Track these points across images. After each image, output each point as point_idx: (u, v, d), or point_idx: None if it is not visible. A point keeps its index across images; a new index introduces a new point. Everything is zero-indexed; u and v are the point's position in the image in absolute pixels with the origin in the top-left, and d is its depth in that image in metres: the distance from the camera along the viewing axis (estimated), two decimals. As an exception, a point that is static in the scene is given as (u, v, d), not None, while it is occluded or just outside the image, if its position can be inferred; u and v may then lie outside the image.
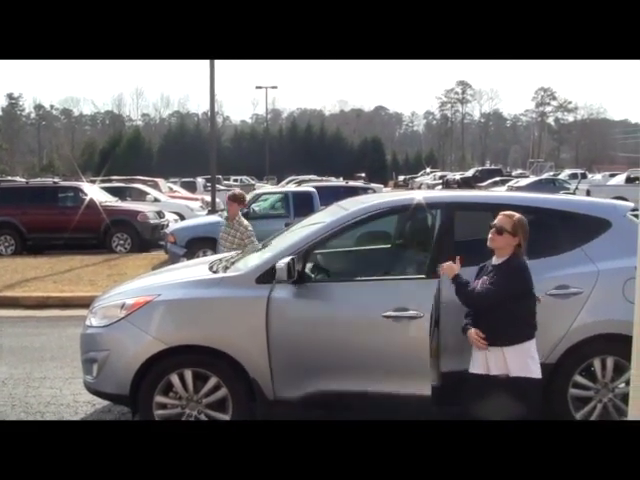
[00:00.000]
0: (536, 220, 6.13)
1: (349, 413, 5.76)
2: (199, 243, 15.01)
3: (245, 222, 9.14)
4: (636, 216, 6.12)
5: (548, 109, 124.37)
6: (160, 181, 30.91)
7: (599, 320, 5.73)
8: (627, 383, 5.73)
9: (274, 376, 5.61)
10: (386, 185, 57.51)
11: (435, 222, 6.06)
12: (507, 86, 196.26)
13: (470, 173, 57.15)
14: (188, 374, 5.64)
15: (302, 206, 15.27)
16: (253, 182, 56.71)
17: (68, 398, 7.20)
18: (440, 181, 56.84)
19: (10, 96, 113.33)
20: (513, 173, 63.59)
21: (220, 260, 6.72)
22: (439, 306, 5.56)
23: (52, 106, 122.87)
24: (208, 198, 25.57)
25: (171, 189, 31.52)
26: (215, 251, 13.04)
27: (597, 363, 5.74)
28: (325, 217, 6.34)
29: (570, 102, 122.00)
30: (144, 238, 19.26)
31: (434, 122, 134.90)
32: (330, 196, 13.27)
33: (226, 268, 6.19)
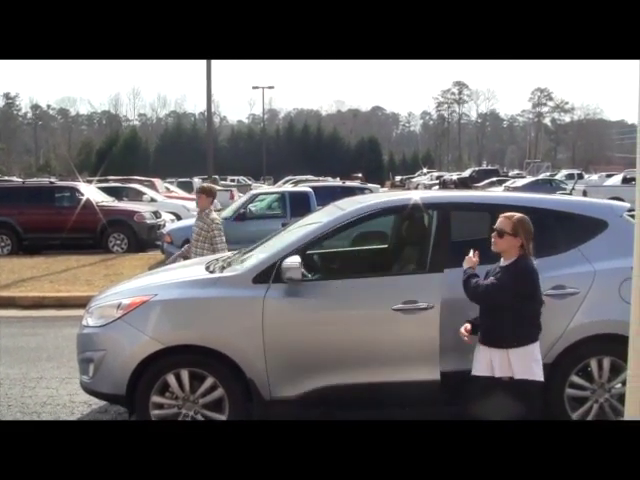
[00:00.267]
0: (533, 220, 6.13)
1: (349, 410, 5.77)
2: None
3: (213, 215, 9.02)
4: (632, 216, 6.11)
5: (545, 109, 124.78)
6: (157, 181, 30.88)
7: (596, 320, 5.73)
8: (623, 383, 5.73)
9: (270, 376, 5.61)
10: (383, 185, 57.45)
11: (432, 222, 6.05)
12: (504, 86, 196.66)
13: (467, 173, 57.20)
14: (185, 374, 5.63)
15: (299, 206, 15.29)
16: (250, 182, 56.64)
17: (64, 398, 7.19)
18: (437, 181, 56.81)
19: (7, 96, 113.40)
20: (510, 173, 63.65)
21: (217, 260, 6.72)
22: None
23: (49, 106, 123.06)
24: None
25: (168, 189, 31.49)
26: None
27: (594, 363, 5.75)
28: (322, 217, 6.34)
29: (567, 103, 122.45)
30: (141, 238, 19.24)
31: (431, 122, 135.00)
32: (327, 196, 13.27)
33: (223, 268, 6.18)
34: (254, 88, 67.39)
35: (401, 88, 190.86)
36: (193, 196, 30.32)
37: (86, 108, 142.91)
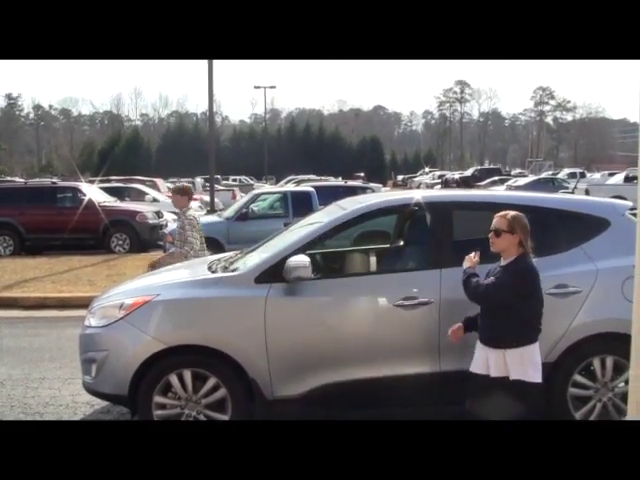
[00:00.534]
0: (535, 219, 6.13)
1: (351, 407, 5.77)
2: (198, 243, 14.99)
3: (189, 213, 8.88)
4: (635, 215, 6.11)
5: (547, 108, 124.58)
6: (159, 181, 30.94)
7: (598, 319, 5.73)
8: (627, 382, 5.73)
9: (273, 375, 5.62)
10: (385, 185, 57.44)
11: (433, 221, 6.04)
12: (506, 85, 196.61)
13: (469, 172, 57.21)
14: (187, 374, 5.63)
15: (301, 206, 15.29)
16: (252, 182, 56.68)
17: (67, 399, 7.19)
18: (439, 180, 56.83)
19: (9, 96, 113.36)
20: (512, 172, 63.64)
21: (219, 260, 6.72)
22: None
23: (51, 106, 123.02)
24: (207, 198, 25.57)
25: (169, 189, 31.49)
26: (214, 251, 13.05)
27: (596, 362, 5.74)
28: (324, 217, 6.35)
29: (569, 101, 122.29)
30: (143, 238, 19.25)
31: (433, 121, 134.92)
32: (329, 196, 13.27)
33: (225, 268, 6.19)
34: (256, 88, 67.32)
35: (403, 87, 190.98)
36: (196, 196, 30.40)
37: (88, 108, 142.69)
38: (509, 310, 4.97)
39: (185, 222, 8.73)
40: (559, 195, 8.43)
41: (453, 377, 5.52)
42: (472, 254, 5.30)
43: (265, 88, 66.14)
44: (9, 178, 48.87)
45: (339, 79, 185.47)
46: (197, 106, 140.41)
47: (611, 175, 43.35)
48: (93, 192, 20.56)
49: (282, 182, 45.28)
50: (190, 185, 9.78)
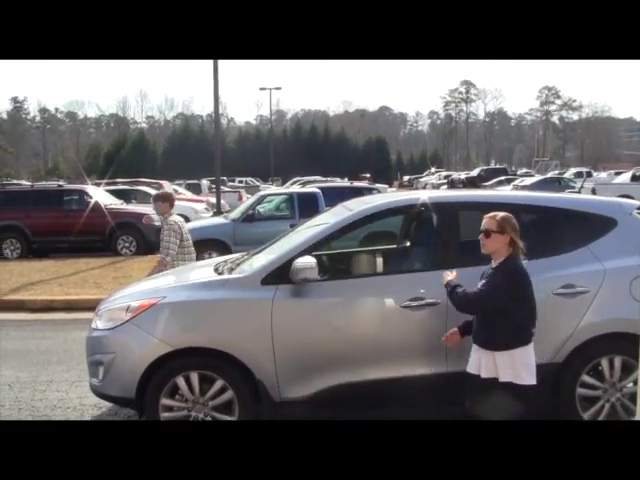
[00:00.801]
0: (542, 219, 6.14)
1: (359, 409, 5.76)
2: (204, 245, 14.99)
3: (170, 219, 8.72)
4: (642, 214, 6.09)
5: (552, 108, 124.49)
6: (165, 183, 30.96)
7: (606, 319, 5.70)
8: (635, 383, 5.71)
9: (280, 377, 5.61)
10: (391, 185, 57.46)
11: (440, 222, 6.02)
12: (511, 85, 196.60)
13: (475, 172, 57.15)
14: (194, 376, 5.63)
15: (307, 207, 15.29)
16: (258, 183, 56.69)
17: (74, 401, 7.19)
18: (445, 181, 56.75)
19: (15, 100, 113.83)
20: (518, 172, 63.54)
21: (225, 262, 6.72)
22: None
23: (57, 109, 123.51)
24: (213, 200, 25.60)
25: (176, 191, 31.53)
26: (220, 253, 13.07)
27: (605, 362, 5.71)
28: (330, 218, 6.34)
29: (575, 100, 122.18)
30: (149, 240, 19.24)
31: (438, 122, 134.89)
32: (335, 197, 13.27)
33: (231, 270, 6.18)
34: (261, 89, 67.41)
35: (408, 88, 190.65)
36: (202, 198, 30.46)
37: (94, 111, 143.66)
38: (501, 313, 4.93)
39: (165, 228, 8.63)
40: (566, 195, 8.40)
41: (460, 378, 5.50)
42: (448, 272, 5.29)
43: (270, 89, 66.21)
44: (16, 181, 49.03)
45: (344, 80, 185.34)
46: (203, 108, 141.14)
47: (618, 174, 43.24)
48: (99, 195, 20.59)
49: (288, 183, 45.30)
50: (171, 192, 9.61)
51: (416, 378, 5.63)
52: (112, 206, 19.99)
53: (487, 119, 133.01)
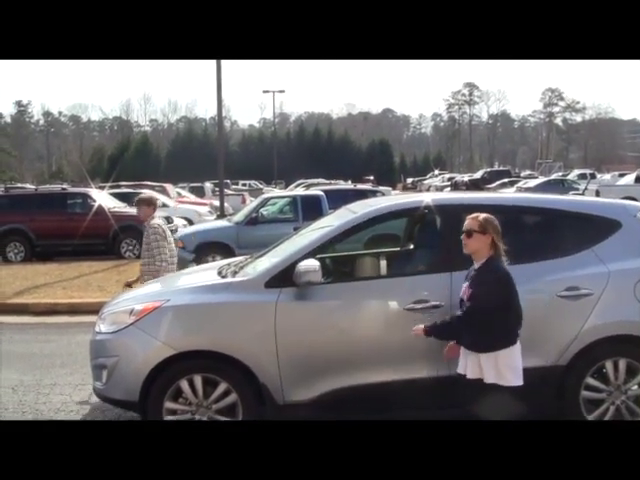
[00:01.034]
0: (546, 221, 6.13)
1: (363, 412, 5.75)
2: (208, 248, 15.02)
3: (153, 222, 8.43)
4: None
5: (556, 109, 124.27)
6: (169, 186, 30.97)
7: (610, 322, 5.68)
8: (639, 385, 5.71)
9: (284, 380, 5.60)
10: (394, 188, 57.41)
11: (444, 224, 6.01)
12: (514, 87, 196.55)
13: (479, 175, 57.03)
14: (198, 380, 5.62)
15: (310, 210, 15.26)
16: (261, 186, 56.70)
17: (78, 405, 7.18)
18: (449, 183, 56.72)
19: (19, 103, 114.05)
20: (522, 174, 63.44)
21: (229, 265, 6.71)
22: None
23: (60, 113, 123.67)
24: (216, 203, 25.60)
25: (180, 194, 31.58)
26: (224, 256, 13.05)
27: (609, 365, 5.69)
28: (334, 221, 6.33)
29: (578, 102, 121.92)
30: (152, 243, 19.23)
31: (442, 124, 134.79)
32: (338, 199, 13.24)
33: (235, 273, 6.18)
34: (265, 92, 67.54)
35: (411, 90, 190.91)
36: (205, 201, 30.48)
37: (97, 114, 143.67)
38: (486, 314, 4.90)
39: (150, 232, 8.31)
40: (570, 197, 8.39)
41: (464, 380, 5.49)
42: (415, 327, 5.25)
43: (274, 92, 66.30)
44: (20, 185, 49.13)
45: (348, 83, 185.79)
46: (206, 111, 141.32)
47: (621, 176, 43.16)
48: (103, 198, 20.60)
49: (291, 186, 45.32)
50: (154, 195, 9.36)
51: (420, 381, 5.62)
52: (115, 209, 19.99)
53: (490, 121, 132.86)
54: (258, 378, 5.60)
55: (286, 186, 54.26)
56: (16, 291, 13.61)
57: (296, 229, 8.67)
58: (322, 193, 16.64)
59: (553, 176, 51.63)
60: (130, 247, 19.24)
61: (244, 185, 55.88)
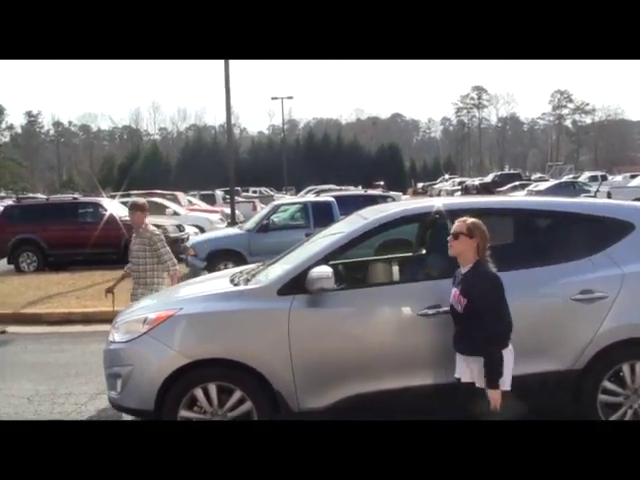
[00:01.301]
0: (558, 224, 6.11)
1: (377, 418, 5.74)
2: (220, 256, 15.05)
3: (152, 228, 8.42)
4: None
5: (565, 112, 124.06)
6: (180, 194, 31.05)
7: (626, 324, 5.65)
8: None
9: (298, 387, 5.60)
10: (405, 193, 57.27)
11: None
12: (523, 90, 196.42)
13: (489, 178, 56.99)
14: (212, 388, 5.62)
15: (322, 216, 15.28)
16: (272, 193, 56.75)
17: (93, 414, 7.20)
18: (459, 187, 56.64)
19: (29, 114, 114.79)
20: (532, 177, 63.31)
21: (241, 272, 6.72)
22: None
23: (70, 122, 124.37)
24: (227, 210, 25.64)
25: (190, 202, 31.65)
26: (235, 264, 13.06)
27: (626, 368, 5.65)
28: (345, 227, 6.33)
29: (587, 104, 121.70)
30: (164, 252, 19.27)
31: (451, 128, 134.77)
32: (349, 205, 13.27)
33: (247, 280, 6.18)
34: (273, 99, 67.61)
35: (420, 94, 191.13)
36: (216, 208, 30.53)
37: (107, 124, 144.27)
38: (477, 318, 4.87)
39: (156, 239, 8.26)
40: (581, 199, 8.37)
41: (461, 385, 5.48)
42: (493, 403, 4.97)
43: (282, 99, 66.38)
44: (31, 195, 49.35)
45: (356, 88, 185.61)
46: (215, 118, 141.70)
47: (633, 177, 42.96)
48: (114, 207, 20.66)
49: (302, 192, 45.33)
50: (144, 200, 9.27)
51: (434, 387, 5.59)
52: (127, 218, 19.99)
53: (500, 124, 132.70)
54: (272, 385, 5.59)
55: (296, 192, 54.33)
56: (30, 301, 13.67)
57: (308, 235, 8.66)
58: (333, 199, 16.65)
59: (564, 179, 51.47)
60: (142, 256, 19.24)
61: (254, 192, 55.95)
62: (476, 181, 57.12)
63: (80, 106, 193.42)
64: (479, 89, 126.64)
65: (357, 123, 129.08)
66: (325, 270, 5.50)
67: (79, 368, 9.03)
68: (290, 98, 67.21)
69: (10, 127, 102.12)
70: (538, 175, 70.32)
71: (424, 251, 7.17)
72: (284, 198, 36.96)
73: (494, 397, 4.77)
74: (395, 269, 7.12)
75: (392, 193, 25.23)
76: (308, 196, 31.20)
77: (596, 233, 5.95)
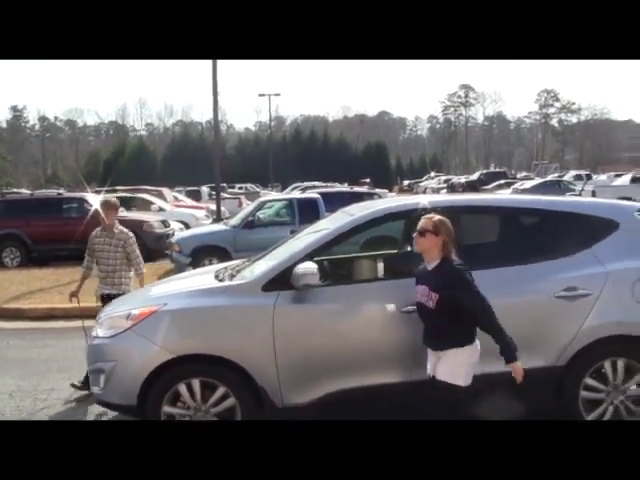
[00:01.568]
0: (543, 222, 6.13)
1: (362, 414, 5.74)
2: (205, 252, 15.01)
3: (124, 230, 8.59)
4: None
5: (551, 111, 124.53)
6: (165, 190, 30.94)
7: (609, 322, 5.67)
8: (638, 385, 5.71)
9: (282, 383, 5.59)
10: (391, 190, 57.28)
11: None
12: (510, 89, 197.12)
13: (475, 176, 57.13)
14: (196, 383, 5.61)
15: (307, 213, 15.26)
16: (258, 190, 56.67)
17: (76, 410, 7.16)
18: (445, 185, 56.80)
19: (14, 108, 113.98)
20: (518, 175, 63.61)
21: (226, 268, 6.69)
22: None
23: (56, 117, 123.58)
24: (213, 207, 25.59)
25: (176, 198, 31.55)
26: (221, 260, 13.04)
27: (608, 365, 5.69)
28: (331, 223, 6.32)
29: (573, 103, 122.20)
30: (149, 248, 19.16)
31: (438, 126, 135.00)
32: (335, 202, 13.23)
33: (232, 276, 6.16)
34: (260, 95, 67.54)
35: (407, 92, 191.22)
36: (202, 205, 30.45)
37: (93, 119, 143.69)
38: (450, 312, 4.90)
39: (131, 241, 8.43)
40: (567, 197, 8.40)
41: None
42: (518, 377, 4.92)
43: (269, 95, 66.33)
44: (15, 190, 49.03)
45: (343, 85, 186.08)
46: (202, 114, 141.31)
47: (617, 176, 43.22)
48: (99, 202, 20.53)
49: (288, 189, 45.30)
50: (116, 199, 9.30)
51: (418, 383, 5.59)
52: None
53: (486, 123, 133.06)
54: (256, 381, 5.58)
55: (282, 189, 54.27)
56: (12, 296, 13.58)
57: (293, 232, 8.65)
58: (318, 196, 16.64)
59: (549, 177, 51.69)
60: (127, 251, 19.16)
61: (240, 188, 55.78)
62: (462, 179, 57.29)
63: (66, 101, 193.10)
64: (466, 87, 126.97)
65: (344, 120, 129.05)
66: (310, 266, 5.50)
67: (61, 363, 8.98)
68: (277, 95, 67.18)
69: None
70: (524, 174, 70.68)
71: (409, 248, 7.17)
72: (270, 195, 36.98)
73: (516, 370, 4.75)
74: (380, 266, 7.11)
75: (378, 190, 25.21)
76: (294, 193, 31.17)
77: (581, 231, 5.97)
